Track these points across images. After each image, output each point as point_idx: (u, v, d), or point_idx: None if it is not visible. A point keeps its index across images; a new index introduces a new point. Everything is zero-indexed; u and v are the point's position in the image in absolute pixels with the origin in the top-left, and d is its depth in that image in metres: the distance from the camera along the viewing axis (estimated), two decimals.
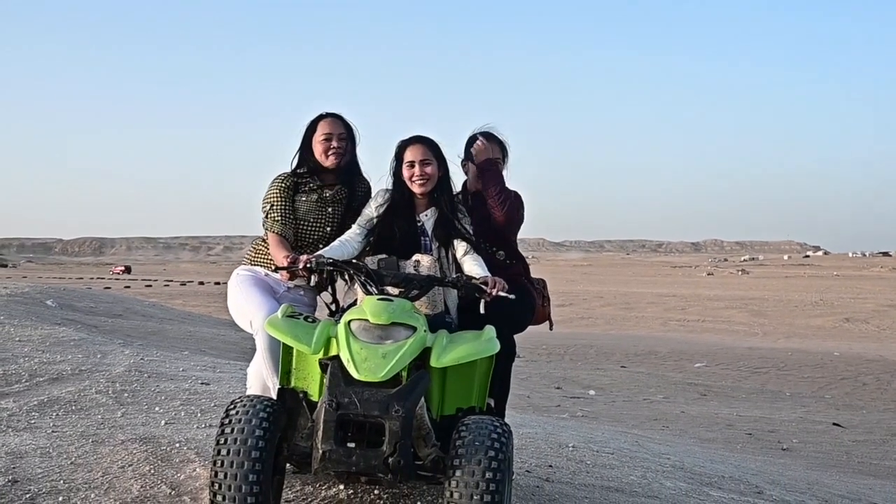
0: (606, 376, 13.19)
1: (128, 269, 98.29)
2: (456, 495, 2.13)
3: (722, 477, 4.55)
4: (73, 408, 4.21)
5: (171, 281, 62.88)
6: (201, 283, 56.11)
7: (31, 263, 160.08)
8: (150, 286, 51.47)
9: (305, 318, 2.57)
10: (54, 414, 4.04)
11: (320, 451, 2.16)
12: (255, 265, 3.26)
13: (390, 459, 2.14)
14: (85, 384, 4.85)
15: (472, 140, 3.35)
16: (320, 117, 3.27)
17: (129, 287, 46.92)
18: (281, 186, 3.22)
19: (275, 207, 3.19)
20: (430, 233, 3.05)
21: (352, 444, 2.17)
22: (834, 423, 9.32)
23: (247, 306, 3.06)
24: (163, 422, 4.03)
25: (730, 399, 11.39)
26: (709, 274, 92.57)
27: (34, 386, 4.70)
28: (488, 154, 3.25)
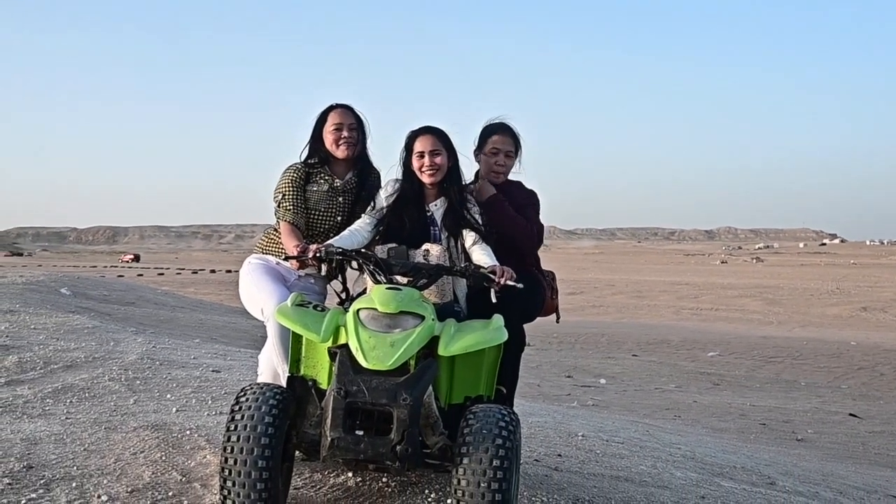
0: (618, 365, 13.15)
1: (136, 258, 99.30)
2: (463, 483, 2.13)
3: (734, 467, 4.53)
4: (87, 395, 4.26)
5: (183, 269, 63.40)
6: (213, 272, 56.56)
7: (45, 252, 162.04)
8: (163, 274, 51.96)
9: (315, 307, 2.58)
10: (68, 401, 4.09)
11: (329, 439, 2.17)
12: (266, 253, 3.27)
13: (398, 447, 2.14)
14: (98, 372, 4.91)
15: (486, 130, 3.35)
16: (331, 108, 3.28)
17: (141, 275, 47.41)
18: (293, 177, 3.23)
19: (286, 197, 3.20)
20: (439, 222, 3.05)
21: (360, 432, 2.18)
22: (850, 414, 9.24)
23: (258, 294, 3.08)
24: (174, 409, 4.07)
25: (743, 389, 11.32)
26: (722, 262, 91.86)
27: (49, 373, 4.76)
28: (490, 191, 3.24)
